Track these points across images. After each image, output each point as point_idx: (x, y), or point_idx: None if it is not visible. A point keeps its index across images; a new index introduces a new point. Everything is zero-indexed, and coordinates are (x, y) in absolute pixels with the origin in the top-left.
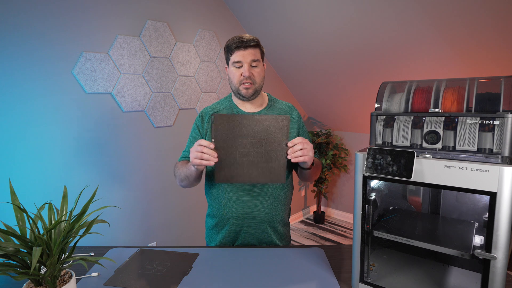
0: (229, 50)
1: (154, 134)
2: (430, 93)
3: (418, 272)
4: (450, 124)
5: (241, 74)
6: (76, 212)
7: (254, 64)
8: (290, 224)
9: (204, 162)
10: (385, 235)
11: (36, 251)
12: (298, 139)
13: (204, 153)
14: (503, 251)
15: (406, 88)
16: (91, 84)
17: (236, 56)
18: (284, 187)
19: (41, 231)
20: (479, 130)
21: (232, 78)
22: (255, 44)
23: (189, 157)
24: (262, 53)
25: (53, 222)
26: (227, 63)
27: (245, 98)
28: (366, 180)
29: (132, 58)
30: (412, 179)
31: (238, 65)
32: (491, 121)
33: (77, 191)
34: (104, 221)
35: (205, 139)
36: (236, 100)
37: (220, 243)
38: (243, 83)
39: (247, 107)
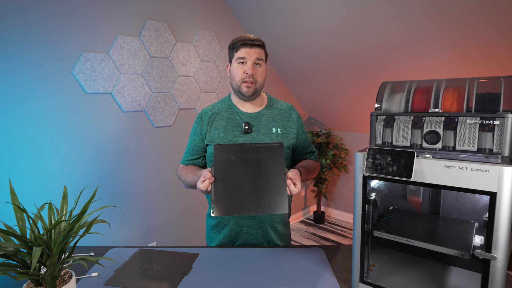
0: (234, 47)
1: (154, 134)
2: (430, 93)
3: (418, 272)
4: (450, 124)
5: (244, 72)
6: (76, 212)
7: (258, 62)
8: (290, 224)
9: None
10: (385, 235)
11: (36, 251)
12: (290, 175)
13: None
14: (503, 251)
15: (406, 88)
16: (91, 84)
17: (241, 52)
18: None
19: (41, 231)
20: (479, 130)
21: (234, 75)
22: (261, 44)
23: (191, 160)
24: (266, 56)
25: (53, 222)
26: (230, 61)
27: (245, 97)
28: (366, 180)
29: (132, 58)
30: (412, 179)
31: (242, 61)
32: (491, 121)
33: (77, 191)
34: (104, 221)
35: (204, 139)
36: (235, 100)
37: (221, 243)
38: (245, 81)
39: (246, 107)
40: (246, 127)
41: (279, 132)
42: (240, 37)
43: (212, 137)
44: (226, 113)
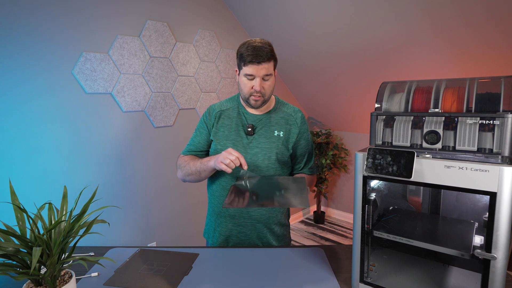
0: (242, 59)
1: (154, 134)
2: (430, 93)
3: (418, 272)
4: (450, 124)
5: (252, 87)
6: (76, 212)
7: (266, 78)
8: (290, 224)
9: (231, 165)
10: (385, 235)
11: (36, 251)
12: None
13: (232, 160)
14: (503, 251)
15: (406, 88)
16: (91, 84)
17: (249, 69)
18: None
19: (41, 231)
20: (479, 130)
21: (242, 88)
22: (269, 57)
23: (194, 151)
24: (275, 63)
25: (53, 222)
26: (239, 68)
27: (254, 108)
28: (366, 180)
29: (132, 58)
30: (412, 179)
31: (250, 77)
32: (491, 121)
33: (77, 191)
34: (104, 221)
35: (210, 134)
36: (243, 102)
37: (217, 241)
38: (253, 95)
39: (253, 109)
40: (249, 129)
41: (281, 135)
42: (248, 49)
43: (217, 133)
44: (233, 112)
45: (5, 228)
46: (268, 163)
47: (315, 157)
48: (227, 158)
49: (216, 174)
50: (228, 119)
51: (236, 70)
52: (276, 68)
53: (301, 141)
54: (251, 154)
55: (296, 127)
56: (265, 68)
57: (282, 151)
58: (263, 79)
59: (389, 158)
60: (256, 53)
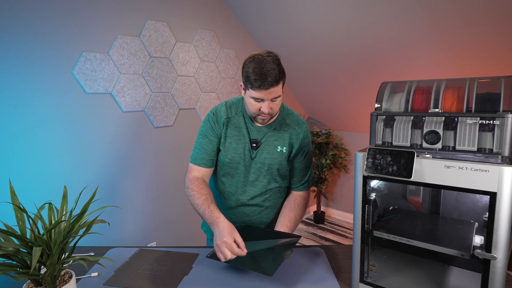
0: (248, 81)
1: (154, 134)
2: (430, 93)
3: (418, 272)
4: (450, 124)
5: (260, 109)
6: (76, 212)
7: (274, 99)
8: None
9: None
10: (385, 235)
11: (36, 251)
12: None
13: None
14: (503, 251)
15: (406, 88)
16: (91, 84)
17: (257, 93)
18: (282, 196)
19: (41, 231)
20: (479, 130)
21: (249, 107)
22: (278, 80)
23: (208, 159)
24: (284, 80)
25: (53, 222)
26: (245, 88)
27: (261, 125)
28: (366, 180)
29: (132, 58)
30: (412, 179)
31: (258, 100)
32: (491, 121)
33: (77, 191)
34: (104, 221)
35: (221, 142)
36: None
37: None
38: (260, 115)
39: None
40: (254, 145)
41: (284, 151)
42: (255, 71)
43: (224, 144)
44: (239, 120)
45: (5, 228)
46: (270, 178)
47: (315, 157)
48: (224, 255)
49: (218, 181)
50: (235, 128)
51: (242, 85)
52: (285, 83)
53: (298, 156)
54: (254, 169)
55: (297, 143)
56: (274, 91)
57: (284, 166)
58: (271, 100)
59: (389, 158)
60: (264, 78)
